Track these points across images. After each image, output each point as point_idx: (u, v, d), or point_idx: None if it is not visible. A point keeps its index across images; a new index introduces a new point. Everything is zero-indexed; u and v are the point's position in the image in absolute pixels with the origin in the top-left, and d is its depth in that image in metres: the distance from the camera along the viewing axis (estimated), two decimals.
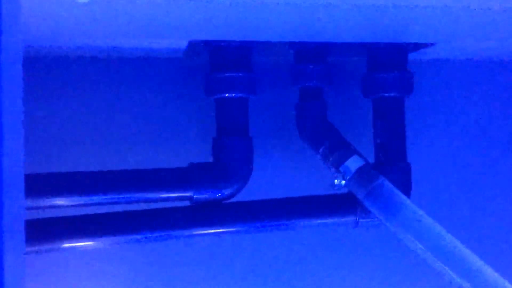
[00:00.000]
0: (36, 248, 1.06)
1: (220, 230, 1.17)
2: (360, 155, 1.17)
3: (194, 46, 1.17)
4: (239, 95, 1.16)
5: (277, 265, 1.34)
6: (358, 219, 1.20)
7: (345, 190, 1.18)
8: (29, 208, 0.99)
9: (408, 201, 1.12)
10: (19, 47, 0.69)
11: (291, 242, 1.34)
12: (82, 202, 1.09)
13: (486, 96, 1.41)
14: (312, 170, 1.29)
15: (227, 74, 1.16)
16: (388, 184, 1.13)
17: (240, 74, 1.16)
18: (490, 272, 1.03)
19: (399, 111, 1.22)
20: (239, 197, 1.17)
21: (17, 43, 0.66)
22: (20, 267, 0.67)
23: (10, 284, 0.62)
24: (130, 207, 1.12)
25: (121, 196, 1.10)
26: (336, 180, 1.16)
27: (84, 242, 1.11)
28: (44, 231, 1.07)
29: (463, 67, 1.39)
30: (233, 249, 1.32)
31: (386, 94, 1.22)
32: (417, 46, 1.22)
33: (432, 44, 1.20)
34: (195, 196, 1.12)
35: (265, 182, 1.27)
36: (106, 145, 1.24)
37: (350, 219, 1.20)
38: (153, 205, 1.14)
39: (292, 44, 1.21)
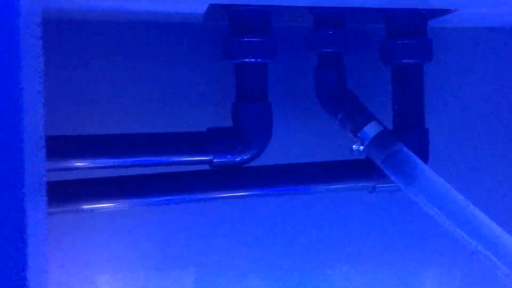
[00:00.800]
0: (56, 209, 1.08)
1: (239, 194, 1.19)
2: (378, 121, 1.18)
3: (214, 10, 1.17)
4: (259, 60, 1.16)
5: (293, 230, 1.36)
6: (375, 184, 1.21)
7: (363, 156, 1.19)
8: (48, 170, 1.00)
9: (426, 167, 1.12)
10: (37, 10, 0.69)
11: (307, 207, 1.35)
12: (101, 164, 1.10)
13: (507, 64, 1.40)
14: (330, 136, 1.29)
15: (246, 39, 1.15)
16: (406, 150, 1.14)
17: (260, 38, 1.15)
18: (508, 239, 1.04)
19: (417, 78, 1.22)
20: (257, 162, 1.18)
21: (35, 5, 0.67)
22: (42, 227, 0.68)
23: (33, 244, 0.63)
24: (150, 171, 1.14)
25: (142, 159, 1.11)
26: (354, 146, 1.17)
27: (102, 204, 1.12)
28: (64, 192, 1.09)
29: (485, 35, 1.39)
30: (249, 213, 1.33)
31: (405, 61, 1.21)
32: (438, 13, 1.21)
33: (453, 10, 1.19)
34: (215, 160, 1.14)
35: (283, 147, 1.28)
36: (125, 109, 1.25)
37: (367, 184, 1.22)
38: (172, 169, 1.15)
39: (311, 9, 1.21)
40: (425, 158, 1.20)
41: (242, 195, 1.19)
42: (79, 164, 1.08)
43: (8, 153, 0.60)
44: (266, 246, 1.35)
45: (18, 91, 0.59)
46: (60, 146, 1.05)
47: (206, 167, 1.16)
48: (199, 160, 1.14)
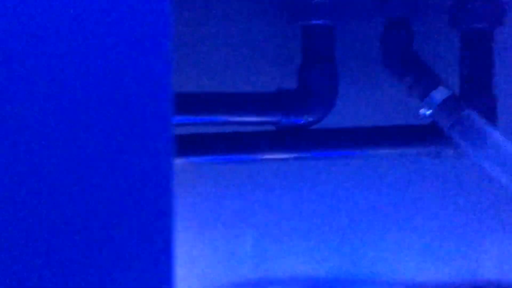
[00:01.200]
0: None
1: (302, 156, 1.20)
2: (446, 86, 1.17)
3: None
4: (326, 22, 1.16)
5: (355, 193, 1.35)
6: (440, 150, 1.20)
7: (430, 120, 1.18)
8: None
9: (496, 132, 1.11)
10: None
11: (370, 170, 1.35)
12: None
13: None
14: (395, 100, 1.28)
15: (314, 1, 1.15)
16: (475, 115, 1.13)
17: (326, 0, 1.15)
18: None
19: (487, 43, 1.20)
20: (322, 125, 1.18)
21: None
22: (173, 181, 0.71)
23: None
24: (212, 130, 1.15)
25: (210, 117, 1.13)
26: (421, 110, 1.16)
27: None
28: None
29: None
30: (309, 176, 1.33)
31: (475, 25, 1.20)
32: None
33: None
34: (282, 121, 1.14)
35: (348, 110, 1.27)
36: (196, 68, 1.25)
37: (432, 149, 1.21)
38: (236, 129, 1.16)
39: None
40: (493, 124, 1.19)
41: (305, 157, 1.20)
42: None
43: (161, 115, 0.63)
44: (325, 210, 1.35)
45: (168, 53, 0.63)
46: None
47: (270, 128, 1.17)
48: (267, 121, 1.15)
